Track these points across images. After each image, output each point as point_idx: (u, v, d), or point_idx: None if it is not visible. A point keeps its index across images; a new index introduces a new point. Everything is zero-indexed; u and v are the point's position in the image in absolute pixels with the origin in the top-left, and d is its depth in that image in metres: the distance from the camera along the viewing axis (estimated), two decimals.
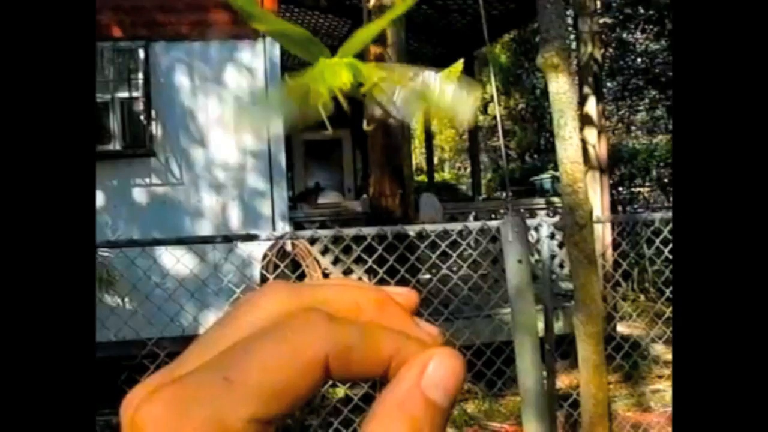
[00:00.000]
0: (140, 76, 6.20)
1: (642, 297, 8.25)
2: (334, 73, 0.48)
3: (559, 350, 5.05)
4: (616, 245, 7.09)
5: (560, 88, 2.99)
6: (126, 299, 5.35)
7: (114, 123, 6.18)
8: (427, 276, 4.99)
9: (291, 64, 12.43)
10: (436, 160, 23.71)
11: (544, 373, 3.65)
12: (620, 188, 14.69)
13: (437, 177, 21.89)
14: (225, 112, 6.42)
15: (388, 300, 0.34)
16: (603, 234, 6.99)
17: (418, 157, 24.77)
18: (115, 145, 6.18)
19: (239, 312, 0.32)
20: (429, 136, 15.21)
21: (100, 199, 6.13)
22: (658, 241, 4.36)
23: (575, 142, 3.03)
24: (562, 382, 5.62)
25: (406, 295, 0.35)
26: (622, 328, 6.84)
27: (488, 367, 4.32)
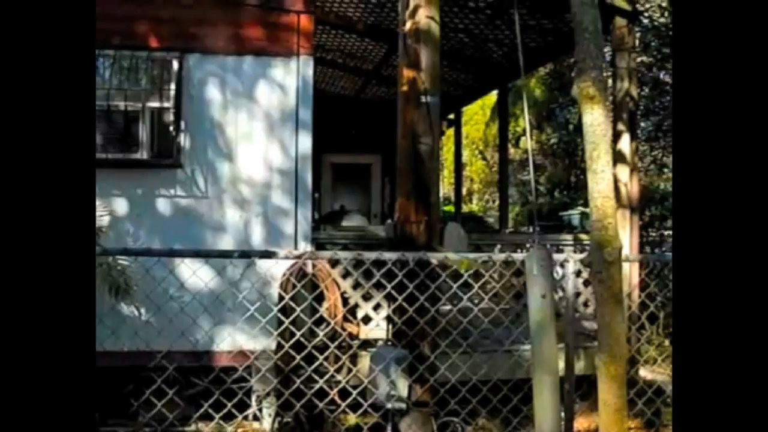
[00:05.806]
0: (172, 86, 6.21)
1: (667, 341, 8.04)
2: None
3: (579, 391, 4.90)
4: (643, 286, 6.92)
5: (595, 119, 2.90)
6: (141, 309, 5.30)
7: (143, 132, 6.18)
8: (448, 306, 4.88)
9: (322, 86, 12.50)
10: (465, 191, 23.62)
11: (562, 414, 3.52)
12: (650, 229, 14.47)
13: (465, 208, 21.80)
14: (255, 127, 6.40)
15: None
16: (630, 274, 6.84)
17: (447, 187, 24.70)
18: (143, 154, 6.17)
19: None
20: (459, 167, 15.12)
21: (124, 207, 6.11)
22: None
23: (607, 176, 2.93)
24: (581, 424, 5.46)
25: None
26: (645, 373, 6.66)
27: (505, 404, 4.20)
